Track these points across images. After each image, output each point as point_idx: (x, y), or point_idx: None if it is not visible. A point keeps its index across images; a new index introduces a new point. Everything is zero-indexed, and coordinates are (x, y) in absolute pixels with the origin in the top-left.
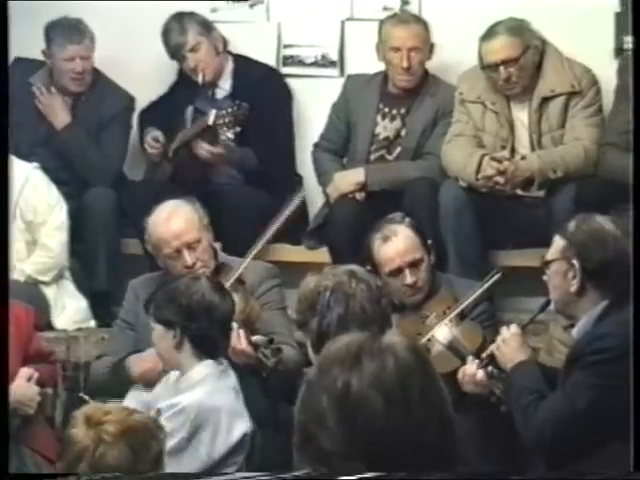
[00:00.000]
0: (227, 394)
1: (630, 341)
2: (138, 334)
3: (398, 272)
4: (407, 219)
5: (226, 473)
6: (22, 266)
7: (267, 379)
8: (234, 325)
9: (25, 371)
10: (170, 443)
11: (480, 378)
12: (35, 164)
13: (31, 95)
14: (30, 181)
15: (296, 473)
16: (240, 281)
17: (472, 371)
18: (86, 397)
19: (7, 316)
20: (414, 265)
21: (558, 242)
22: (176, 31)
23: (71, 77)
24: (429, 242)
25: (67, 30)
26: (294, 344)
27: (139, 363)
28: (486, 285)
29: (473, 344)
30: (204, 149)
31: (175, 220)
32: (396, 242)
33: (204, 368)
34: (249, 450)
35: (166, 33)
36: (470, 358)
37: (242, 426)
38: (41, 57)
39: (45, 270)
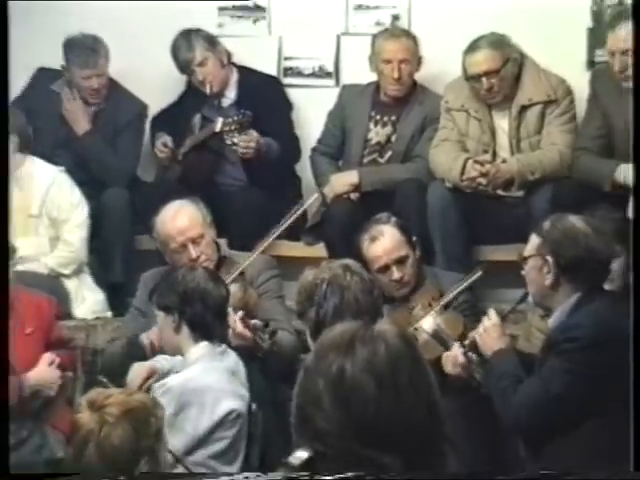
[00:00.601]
0: (218, 374)
1: (630, 342)
2: (149, 321)
3: (385, 269)
4: (393, 219)
5: (226, 473)
6: (45, 260)
7: (265, 361)
8: (231, 311)
9: (47, 356)
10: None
11: (461, 363)
12: (61, 167)
13: (51, 101)
14: (56, 182)
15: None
16: (241, 273)
17: (454, 357)
18: (104, 380)
19: (7, 319)
20: (400, 262)
21: (534, 240)
22: (184, 48)
23: (88, 92)
24: (414, 239)
25: (83, 52)
26: (291, 329)
27: (152, 336)
28: (468, 281)
29: (455, 332)
30: (244, 142)
31: (180, 218)
32: (383, 242)
33: (199, 349)
34: (247, 430)
35: (175, 50)
36: (453, 345)
37: (229, 404)
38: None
39: (66, 264)
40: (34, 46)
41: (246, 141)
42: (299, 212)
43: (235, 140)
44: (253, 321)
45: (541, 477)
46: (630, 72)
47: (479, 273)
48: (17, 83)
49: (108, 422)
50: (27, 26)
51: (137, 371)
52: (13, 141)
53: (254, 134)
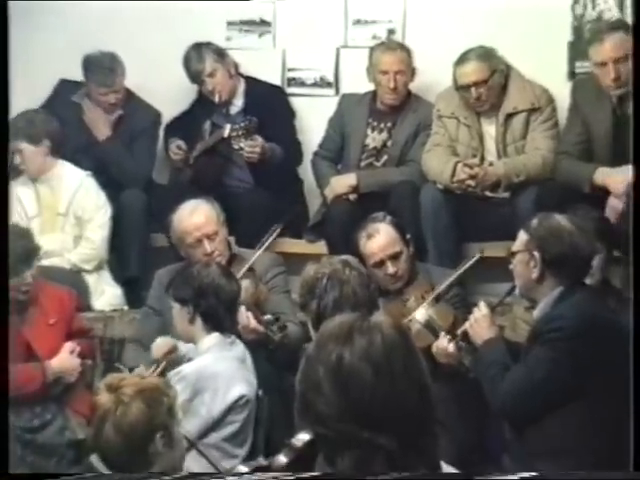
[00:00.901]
0: (229, 362)
1: (630, 342)
2: (163, 318)
3: (381, 264)
4: (388, 218)
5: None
6: (69, 255)
7: (271, 350)
8: (242, 307)
9: (69, 345)
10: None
11: (451, 351)
12: (88, 172)
13: (72, 110)
14: (83, 185)
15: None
16: (250, 269)
17: (444, 345)
18: (121, 366)
19: (7, 324)
20: (394, 257)
21: (522, 236)
22: (195, 60)
23: (105, 107)
24: (408, 237)
25: (101, 71)
26: (297, 322)
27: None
28: (466, 266)
29: (445, 323)
30: (249, 147)
31: (196, 215)
32: (378, 239)
33: (211, 339)
34: (255, 414)
35: (186, 61)
36: (442, 334)
37: (240, 389)
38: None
39: (88, 260)
40: (55, 58)
41: (252, 146)
42: (295, 212)
43: (242, 145)
44: (266, 317)
45: (541, 477)
46: (620, 78)
47: (466, 267)
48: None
49: (123, 401)
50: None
51: (160, 344)
52: (45, 144)
53: (259, 139)
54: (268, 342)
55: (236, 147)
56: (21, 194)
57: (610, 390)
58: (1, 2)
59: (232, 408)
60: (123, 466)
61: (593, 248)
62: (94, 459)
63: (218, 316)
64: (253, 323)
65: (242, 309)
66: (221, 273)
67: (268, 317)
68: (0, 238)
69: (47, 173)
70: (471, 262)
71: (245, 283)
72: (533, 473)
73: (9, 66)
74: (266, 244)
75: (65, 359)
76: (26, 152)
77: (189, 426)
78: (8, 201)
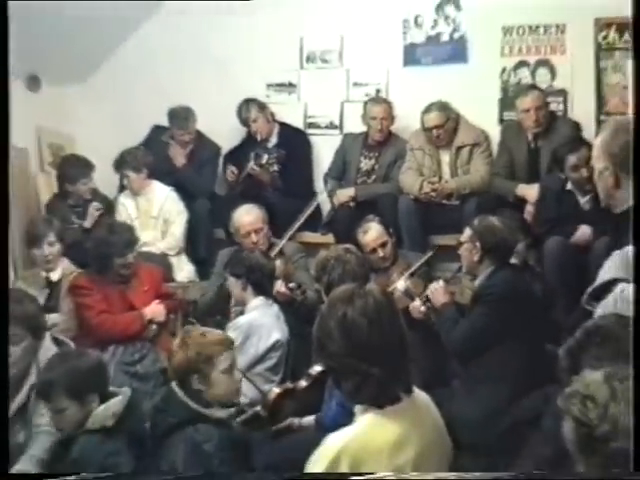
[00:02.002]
0: (269, 317)
1: (630, 341)
2: (223, 286)
3: (373, 251)
4: (376, 218)
5: (228, 474)
6: (159, 245)
7: (298, 310)
8: (279, 280)
9: (156, 301)
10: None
11: (422, 310)
12: (172, 188)
13: (161, 147)
14: (169, 197)
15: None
16: (282, 253)
17: (417, 306)
18: (194, 320)
19: (8, 320)
20: (382, 245)
21: (467, 231)
22: (244, 110)
23: (182, 143)
24: (391, 231)
25: (180, 120)
26: (313, 290)
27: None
28: (425, 258)
29: (418, 290)
30: (257, 171)
31: (249, 215)
32: (371, 233)
33: (257, 301)
34: (286, 352)
35: (239, 111)
36: (416, 299)
37: (276, 335)
38: None
39: (172, 248)
40: (150, 108)
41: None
42: (311, 209)
43: (275, 168)
44: (291, 284)
45: (540, 477)
46: (538, 121)
47: (431, 253)
48: (123, 128)
49: (187, 345)
50: (143, 89)
51: None
52: (144, 171)
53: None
54: (293, 302)
55: (271, 170)
56: (126, 203)
57: (525, 335)
58: (1, 2)
59: (271, 348)
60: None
61: (516, 239)
62: (174, 385)
63: (262, 285)
64: (283, 289)
65: (277, 280)
66: (263, 256)
67: (292, 284)
68: (0, 240)
69: (144, 189)
70: (431, 253)
71: (278, 262)
72: (535, 472)
73: (9, 66)
74: (287, 235)
75: (154, 308)
76: (131, 177)
77: (241, 360)
78: (8, 201)
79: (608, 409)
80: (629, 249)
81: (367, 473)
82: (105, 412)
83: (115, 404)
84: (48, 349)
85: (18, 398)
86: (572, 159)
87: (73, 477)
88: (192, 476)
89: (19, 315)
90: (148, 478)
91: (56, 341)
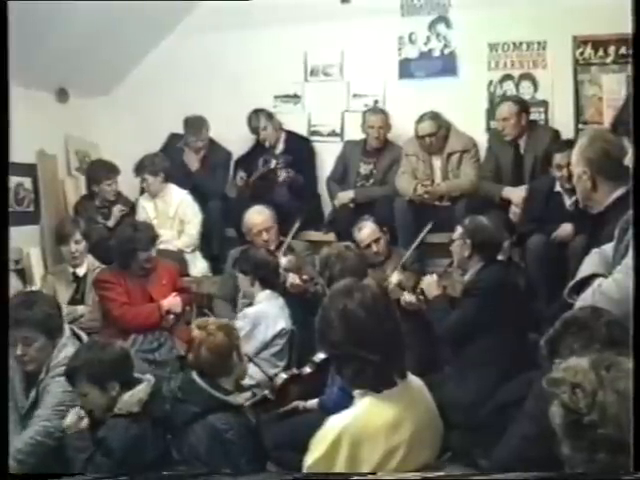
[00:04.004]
0: (275, 308)
1: (630, 342)
2: (235, 280)
3: (368, 246)
4: (371, 218)
5: (229, 473)
6: (176, 243)
7: (309, 300)
8: (291, 273)
9: (173, 294)
10: (241, 334)
11: (414, 302)
12: (187, 191)
13: (177, 153)
14: (184, 199)
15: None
16: (291, 249)
17: (410, 299)
18: (207, 311)
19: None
20: (377, 241)
21: (458, 229)
22: (254, 119)
23: (195, 150)
24: (385, 229)
25: (194, 128)
26: (319, 283)
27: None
28: (421, 235)
29: (410, 284)
30: (284, 175)
31: (259, 215)
32: (365, 230)
33: (264, 294)
34: (291, 340)
35: (248, 120)
36: (408, 291)
37: (281, 324)
38: None
39: (187, 246)
40: (167, 117)
41: (287, 174)
42: (309, 210)
43: (282, 173)
44: (304, 276)
45: (540, 477)
46: (515, 127)
47: (429, 226)
48: (145, 136)
49: (211, 333)
50: (160, 99)
51: None
52: (161, 176)
53: (291, 171)
54: (306, 293)
55: (278, 174)
56: (145, 205)
57: (510, 325)
58: (1, 2)
59: (277, 336)
60: (214, 375)
61: (502, 237)
62: (194, 374)
63: (268, 280)
64: (297, 281)
65: (290, 274)
66: (267, 254)
67: (306, 277)
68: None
69: (162, 192)
70: (416, 243)
71: (291, 258)
72: (534, 473)
73: (9, 66)
74: (291, 233)
75: (171, 300)
76: (149, 181)
77: (249, 347)
78: (8, 202)
79: (596, 397)
80: (607, 247)
81: (368, 473)
82: (131, 399)
83: (140, 391)
84: (65, 345)
85: (31, 395)
86: (558, 157)
87: (73, 477)
88: (196, 476)
89: (31, 318)
90: (148, 478)
91: (75, 335)
